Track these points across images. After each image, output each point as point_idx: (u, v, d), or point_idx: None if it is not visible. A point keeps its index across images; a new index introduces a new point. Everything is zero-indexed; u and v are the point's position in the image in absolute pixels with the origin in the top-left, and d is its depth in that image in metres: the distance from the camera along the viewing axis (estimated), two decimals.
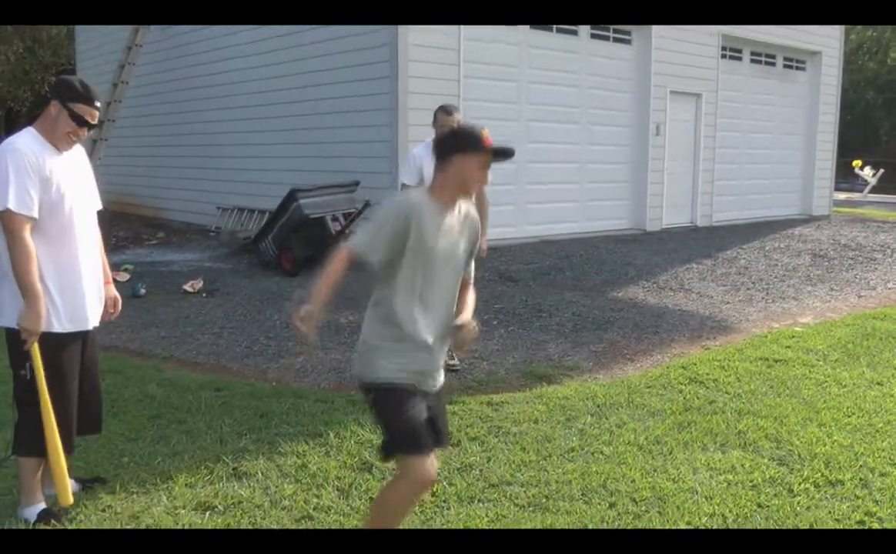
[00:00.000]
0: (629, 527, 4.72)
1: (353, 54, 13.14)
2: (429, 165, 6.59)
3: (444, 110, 7.20)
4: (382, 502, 4.06)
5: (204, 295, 10.79)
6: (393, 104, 12.53)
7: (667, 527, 4.71)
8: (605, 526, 4.72)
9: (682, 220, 17.93)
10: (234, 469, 5.34)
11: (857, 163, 36.18)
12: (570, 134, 15.47)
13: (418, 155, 7.16)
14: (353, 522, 4.68)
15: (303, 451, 5.64)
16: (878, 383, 7.58)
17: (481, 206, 6.61)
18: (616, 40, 16.19)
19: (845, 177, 35.88)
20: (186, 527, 4.58)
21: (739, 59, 19.44)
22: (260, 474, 5.28)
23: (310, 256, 11.94)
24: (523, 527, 4.67)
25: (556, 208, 15.27)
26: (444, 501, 4.98)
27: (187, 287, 11.02)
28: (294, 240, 11.97)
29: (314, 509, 4.83)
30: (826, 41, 21.24)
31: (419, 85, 12.61)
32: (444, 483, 5.21)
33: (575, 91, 15.43)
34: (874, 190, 35.51)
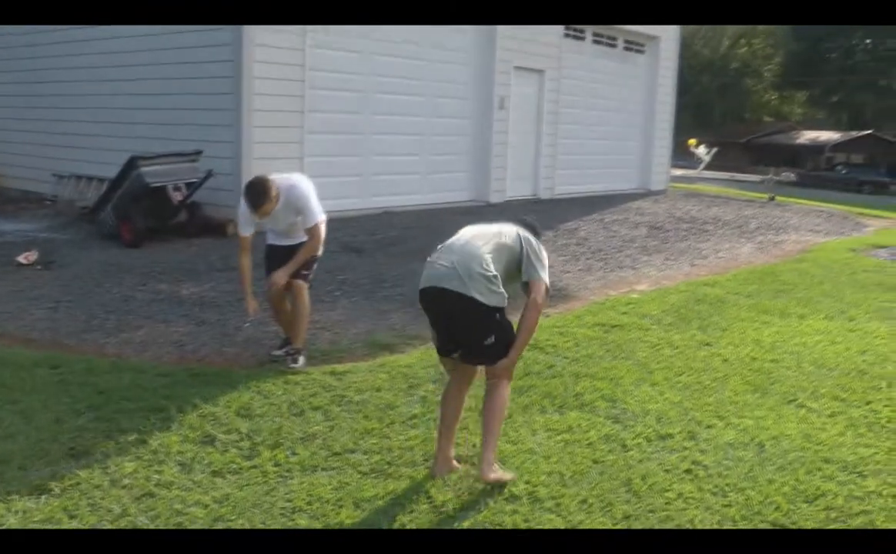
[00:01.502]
0: (470, 488, 4.79)
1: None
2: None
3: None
4: (499, 406, 5.01)
5: (39, 267, 10.32)
6: (237, 72, 12.28)
7: (507, 488, 4.79)
8: (446, 488, 4.77)
9: (525, 192, 18.20)
10: (71, 449, 5.12)
11: (692, 142, 37.43)
12: (414, 106, 15.49)
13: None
14: (195, 497, 4.58)
15: (143, 427, 5.46)
16: (707, 344, 7.90)
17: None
18: None
19: (681, 155, 36.99)
20: (20, 511, 4.38)
21: (582, 39, 19.83)
22: (99, 453, 5.07)
23: (151, 227, 11.63)
24: (365, 494, 4.67)
25: (400, 180, 15.30)
26: (288, 471, 4.94)
27: (21, 259, 10.50)
28: (135, 210, 11.57)
29: (155, 486, 4.70)
30: (664, 27, 21.87)
31: (263, 53, 12.42)
32: (288, 452, 5.17)
33: (420, 64, 15.46)
34: (708, 167, 36.79)
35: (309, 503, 4.55)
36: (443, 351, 5.18)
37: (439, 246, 5.34)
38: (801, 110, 71.24)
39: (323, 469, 5.00)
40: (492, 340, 4.91)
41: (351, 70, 14.15)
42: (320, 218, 6.89)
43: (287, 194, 6.73)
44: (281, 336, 7.27)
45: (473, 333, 4.93)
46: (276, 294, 6.93)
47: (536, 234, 5.27)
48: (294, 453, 5.18)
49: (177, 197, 11.65)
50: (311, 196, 6.87)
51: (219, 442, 5.30)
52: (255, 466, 4.97)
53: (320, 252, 7.05)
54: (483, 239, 5.11)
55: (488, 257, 4.94)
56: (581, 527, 4.44)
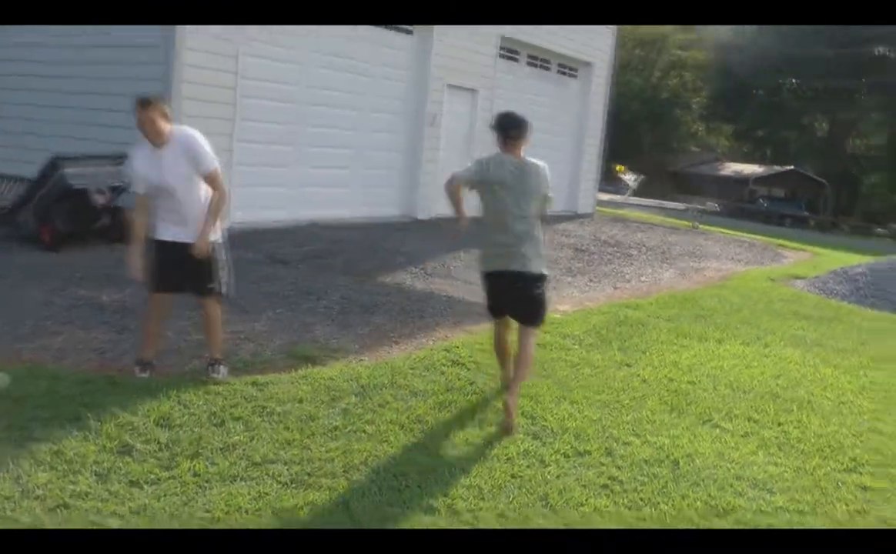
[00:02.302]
0: (391, 502, 4.81)
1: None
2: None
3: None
4: (531, 354, 6.64)
5: None
6: (166, 76, 12.15)
7: (424, 500, 4.84)
8: (365, 499, 4.79)
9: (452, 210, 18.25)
10: None
11: (620, 168, 37.95)
12: (347, 119, 15.46)
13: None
14: (111, 508, 4.51)
15: (59, 436, 5.34)
16: (627, 365, 8.05)
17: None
18: (398, 30, 16.29)
19: (610, 180, 37.47)
20: None
21: (516, 60, 20.00)
22: (11, 464, 4.93)
23: (73, 231, 11.35)
24: (285, 504, 4.67)
25: (330, 193, 15.24)
26: (207, 481, 4.90)
27: None
28: (56, 212, 11.26)
29: (70, 497, 4.60)
30: (598, 53, 22.23)
31: (194, 57, 12.31)
32: (207, 462, 5.13)
33: (354, 77, 15.44)
34: (634, 193, 37.31)
35: (227, 513, 4.53)
36: (495, 314, 6.97)
37: (498, 224, 6.69)
38: (727, 142, 72.54)
39: (242, 479, 4.97)
40: None
41: (284, 80, 14.10)
42: (216, 165, 6.49)
43: (181, 137, 6.45)
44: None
45: None
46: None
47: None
48: (213, 463, 5.14)
49: (100, 200, 11.37)
50: (206, 144, 6.51)
51: (137, 452, 5.22)
52: (173, 477, 4.92)
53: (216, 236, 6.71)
54: None
55: None
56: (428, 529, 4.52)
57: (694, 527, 4.78)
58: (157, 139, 6.39)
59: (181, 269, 6.56)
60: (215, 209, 6.56)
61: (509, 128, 6.79)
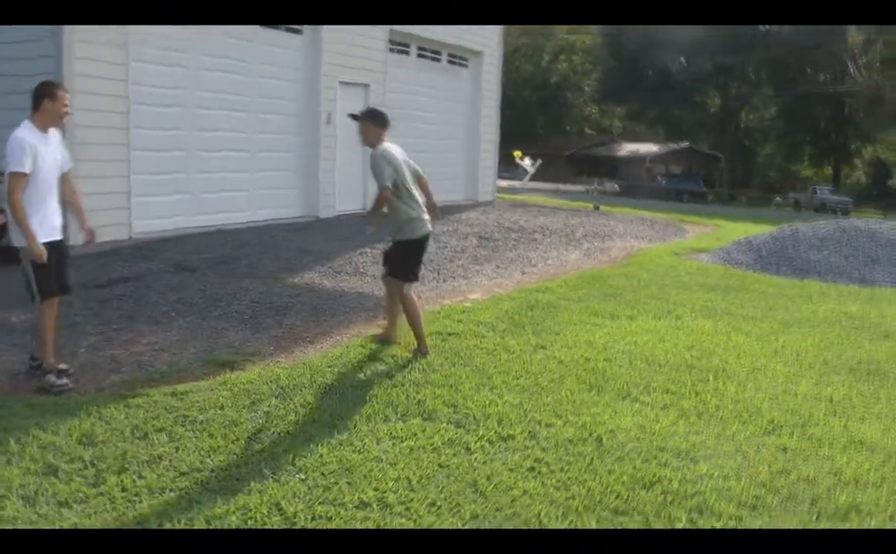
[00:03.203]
0: (320, 498, 4.85)
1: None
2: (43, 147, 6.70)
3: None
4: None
5: None
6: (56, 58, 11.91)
7: (356, 495, 4.89)
8: (296, 499, 4.83)
9: (355, 206, 18.27)
10: None
11: (517, 153, 38.25)
12: (240, 122, 15.35)
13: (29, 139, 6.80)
14: (42, 526, 4.48)
15: None
16: (543, 347, 8.20)
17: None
18: (287, 30, 16.24)
19: (507, 166, 37.77)
20: None
21: (407, 53, 20.08)
22: None
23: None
24: (216, 511, 4.67)
25: (229, 197, 15.13)
26: (136, 495, 4.88)
27: None
28: None
29: None
30: (487, 42, 22.43)
31: (85, 67, 12.10)
32: (135, 476, 5.11)
33: (246, 79, 15.35)
34: (533, 178, 37.68)
35: (160, 525, 4.51)
36: (415, 278, 8.03)
37: (411, 198, 7.93)
38: (620, 123, 73.82)
39: (171, 490, 4.96)
40: None
41: (175, 85, 13.93)
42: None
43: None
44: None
45: None
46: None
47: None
48: (141, 477, 5.12)
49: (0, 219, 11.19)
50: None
51: (62, 472, 5.17)
52: (101, 494, 4.89)
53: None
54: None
55: None
56: (431, 528, 4.57)
57: (622, 500, 4.94)
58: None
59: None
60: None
61: (387, 121, 8.17)
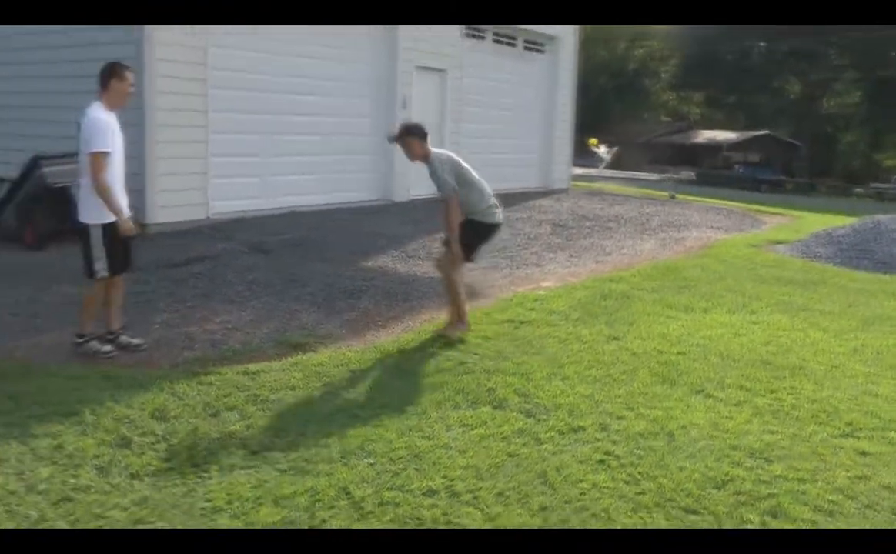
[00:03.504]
0: (388, 484, 4.86)
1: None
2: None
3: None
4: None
5: None
6: (139, 71, 11.98)
7: (424, 482, 4.89)
8: (364, 484, 4.84)
9: (430, 191, 18.20)
10: None
11: (592, 141, 37.99)
12: (318, 106, 15.43)
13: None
14: (114, 500, 4.56)
15: (57, 431, 5.40)
16: (615, 338, 8.11)
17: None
18: None
19: (582, 154, 37.54)
20: None
21: (483, 38, 19.97)
22: (13, 459, 5.00)
23: (55, 229, 11.37)
24: (284, 491, 4.71)
25: (305, 180, 15.22)
26: (206, 471, 4.95)
27: None
28: (38, 211, 11.29)
29: (73, 490, 4.66)
30: (563, 27, 22.18)
31: (165, 52, 12.26)
32: (205, 452, 5.19)
33: (323, 64, 15.43)
34: (608, 166, 37.40)
35: (229, 503, 4.57)
36: (472, 260, 8.31)
37: (487, 193, 8.16)
38: (698, 110, 72.79)
39: (241, 468, 5.02)
40: None
41: (254, 70, 14.05)
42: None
43: None
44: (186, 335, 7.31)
45: None
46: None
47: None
48: (211, 453, 5.19)
49: None
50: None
51: (135, 444, 5.28)
52: (172, 468, 4.98)
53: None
54: None
55: None
56: (498, 519, 4.55)
57: (693, 498, 4.87)
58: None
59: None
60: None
61: (426, 130, 8.23)
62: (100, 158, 6.70)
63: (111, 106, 6.89)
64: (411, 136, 8.02)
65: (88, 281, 7.07)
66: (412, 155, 8.08)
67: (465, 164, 8.20)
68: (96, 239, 6.88)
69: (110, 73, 6.89)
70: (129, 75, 6.98)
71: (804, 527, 4.63)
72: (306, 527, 4.41)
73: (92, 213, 6.84)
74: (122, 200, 7.03)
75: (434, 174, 7.92)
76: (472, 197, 8.00)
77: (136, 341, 7.45)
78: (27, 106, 14.03)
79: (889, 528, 4.70)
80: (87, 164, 6.75)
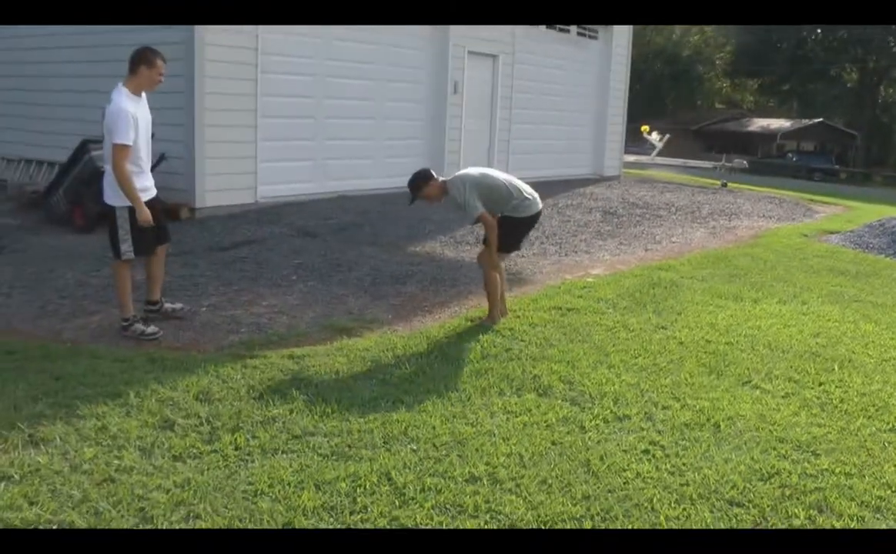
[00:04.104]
0: (431, 470, 4.83)
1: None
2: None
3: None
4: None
5: None
6: (188, 54, 12.13)
7: (467, 469, 4.86)
8: (406, 470, 4.82)
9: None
10: (30, 435, 5.07)
11: (645, 128, 37.59)
12: (369, 90, 15.42)
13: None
14: (156, 482, 4.58)
15: (102, 412, 5.44)
16: (663, 327, 8.02)
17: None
18: None
19: (634, 141, 37.23)
20: None
21: (535, 24, 19.84)
22: (58, 439, 5.04)
23: (104, 212, 11.46)
24: (326, 476, 4.70)
25: (355, 164, 15.23)
26: (248, 454, 4.96)
27: None
28: (87, 194, 11.36)
29: (116, 471, 4.68)
30: None
31: (215, 36, 12.28)
32: (248, 436, 5.19)
33: (374, 48, 15.39)
34: (660, 154, 37.04)
35: (270, 486, 4.57)
36: (514, 250, 8.47)
37: (521, 186, 8.03)
38: (752, 98, 72.00)
39: (283, 452, 5.02)
40: None
41: (304, 54, 14.06)
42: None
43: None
44: (236, 320, 7.34)
45: None
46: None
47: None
48: (254, 437, 5.19)
49: None
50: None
51: (178, 427, 5.30)
52: (215, 451, 4.99)
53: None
54: None
55: None
56: (541, 507, 4.51)
57: (738, 491, 4.80)
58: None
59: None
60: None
61: (431, 171, 8.10)
62: (121, 150, 6.80)
63: (137, 90, 6.99)
64: (424, 185, 7.86)
65: (116, 262, 7.21)
66: (432, 199, 7.98)
67: (485, 171, 8.16)
68: (122, 221, 7.00)
69: (140, 58, 7.00)
70: (160, 63, 7.07)
71: (851, 523, 4.56)
72: (347, 512, 4.40)
73: (118, 196, 6.93)
74: (147, 181, 7.19)
75: (458, 204, 7.78)
76: (499, 198, 7.85)
77: (178, 306, 7.67)
78: (78, 91, 14.09)
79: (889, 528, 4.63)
80: (109, 150, 6.82)
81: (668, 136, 37.66)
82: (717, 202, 18.61)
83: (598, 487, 4.74)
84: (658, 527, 4.40)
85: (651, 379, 6.54)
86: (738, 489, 4.80)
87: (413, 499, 4.53)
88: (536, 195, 8.06)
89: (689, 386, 6.43)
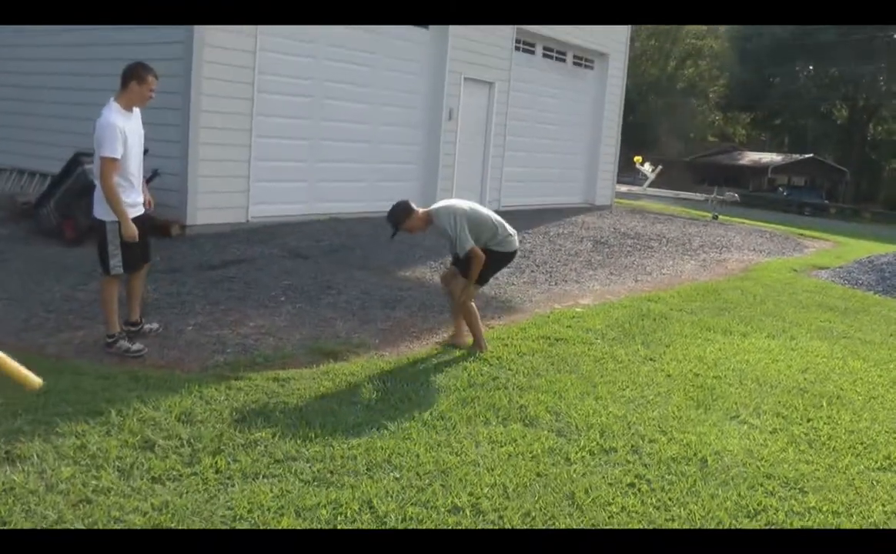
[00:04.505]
0: (413, 500, 4.74)
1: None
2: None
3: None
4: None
5: None
6: (186, 71, 12.05)
7: (450, 499, 4.77)
8: (389, 498, 4.73)
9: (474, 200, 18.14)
10: (6, 452, 4.96)
11: (637, 159, 37.64)
12: (364, 114, 15.36)
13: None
14: (134, 504, 4.48)
15: (82, 430, 5.33)
16: (651, 359, 7.96)
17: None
18: (414, 24, 16.20)
19: (627, 171, 37.28)
20: None
21: (532, 52, 19.84)
22: (35, 457, 4.93)
23: (93, 225, 11.38)
24: (307, 502, 4.61)
25: (348, 187, 15.15)
26: (229, 478, 4.86)
27: None
28: (78, 207, 11.24)
29: (93, 492, 4.58)
30: (614, 44, 22.06)
31: (213, 54, 12.23)
32: (229, 459, 5.09)
33: (370, 71, 15.35)
34: (652, 185, 37.07)
35: (250, 511, 4.48)
36: (484, 284, 8.15)
37: (504, 222, 8.00)
38: (744, 131, 72.33)
39: (265, 476, 4.92)
40: None
41: (301, 75, 14.01)
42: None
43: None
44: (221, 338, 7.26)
45: None
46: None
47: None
48: (235, 460, 5.10)
49: None
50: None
51: (159, 448, 5.20)
52: (195, 473, 4.89)
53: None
54: None
55: None
56: (432, 529, 4.48)
57: (724, 527, 4.71)
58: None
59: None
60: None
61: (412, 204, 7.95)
62: (109, 163, 6.74)
63: (128, 106, 6.94)
64: (406, 217, 7.77)
65: (105, 277, 7.13)
66: (416, 230, 7.94)
67: (473, 205, 8.01)
68: (112, 235, 6.94)
69: (131, 74, 6.94)
70: (151, 79, 7.00)
71: None
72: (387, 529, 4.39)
73: (108, 211, 6.87)
74: (138, 197, 7.13)
75: (447, 235, 7.71)
76: (486, 231, 7.80)
77: (154, 326, 7.63)
78: (72, 103, 13.98)
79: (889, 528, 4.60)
80: (99, 164, 6.77)
81: (660, 167, 37.71)
82: (707, 234, 18.61)
83: (582, 521, 4.65)
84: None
85: (638, 411, 6.46)
86: (723, 526, 4.71)
87: (394, 527, 4.44)
88: (515, 232, 8.10)
89: (677, 419, 6.35)
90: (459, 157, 17.49)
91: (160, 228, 11.85)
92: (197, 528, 4.31)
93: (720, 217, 24.10)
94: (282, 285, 9.70)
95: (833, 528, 4.52)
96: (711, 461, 5.61)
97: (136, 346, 7.10)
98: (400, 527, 4.44)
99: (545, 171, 20.67)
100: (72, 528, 4.23)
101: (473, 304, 7.91)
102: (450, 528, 4.46)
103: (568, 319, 9.24)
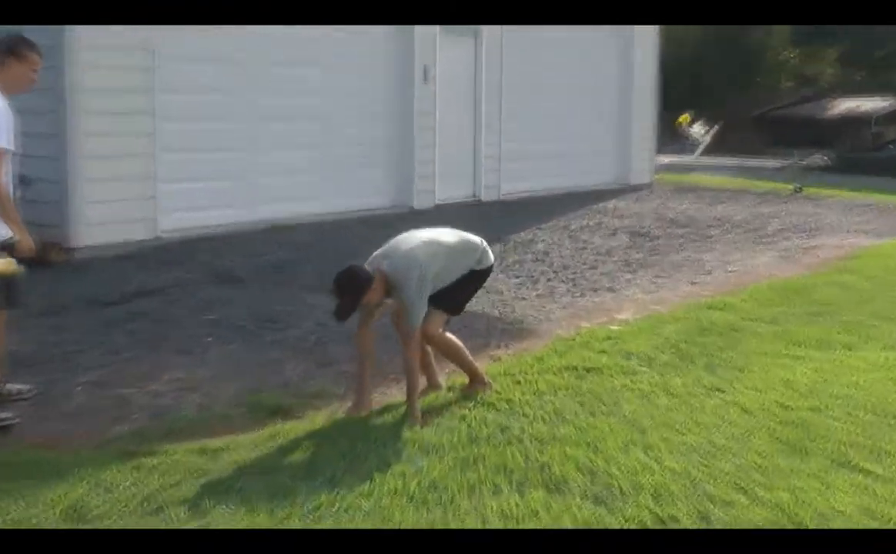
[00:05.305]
0: None
1: None
2: None
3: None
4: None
5: None
6: (57, 40, 12.00)
7: None
8: None
9: (461, 193, 18.19)
10: None
11: (684, 118, 37.80)
12: (311, 80, 15.37)
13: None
14: None
15: None
16: (719, 389, 7.94)
17: None
18: None
19: (672, 136, 37.39)
20: None
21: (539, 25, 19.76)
22: None
23: None
24: None
25: (293, 183, 15.17)
26: None
27: None
28: None
29: None
30: None
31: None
32: None
33: (318, 30, 15.06)
34: (707, 151, 37.22)
35: None
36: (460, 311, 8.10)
37: (470, 236, 7.95)
38: (832, 71, 72.54)
39: None
40: None
41: (220, 32, 13.51)
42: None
43: None
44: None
45: None
46: None
47: None
48: None
49: None
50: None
51: None
52: None
53: None
54: None
55: None
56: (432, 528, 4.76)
57: None
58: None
59: None
60: None
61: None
62: (2, 157, 6.65)
63: (6, 91, 6.81)
64: (360, 289, 7.67)
65: None
66: (374, 300, 7.71)
67: (431, 237, 7.77)
68: None
69: (9, 49, 6.83)
70: (35, 57, 6.94)
71: None
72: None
73: None
74: None
75: (401, 298, 7.61)
76: (461, 258, 7.81)
77: (25, 387, 7.53)
78: None
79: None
80: None
81: (716, 127, 37.87)
82: (789, 214, 18.68)
83: None
84: None
85: (704, 463, 6.39)
86: None
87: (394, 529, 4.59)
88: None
89: (761, 471, 6.29)
90: (441, 130, 17.49)
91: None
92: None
93: (805, 189, 24.17)
94: (206, 322, 9.71)
95: (834, 528, 4.70)
96: (814, 527, 5.54)
97: (3, 414, 7.00)
98: None
99: (559, 145, 20.68)
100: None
101: (447, 334, 7.91)
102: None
103: (601, 342, 9.25)
